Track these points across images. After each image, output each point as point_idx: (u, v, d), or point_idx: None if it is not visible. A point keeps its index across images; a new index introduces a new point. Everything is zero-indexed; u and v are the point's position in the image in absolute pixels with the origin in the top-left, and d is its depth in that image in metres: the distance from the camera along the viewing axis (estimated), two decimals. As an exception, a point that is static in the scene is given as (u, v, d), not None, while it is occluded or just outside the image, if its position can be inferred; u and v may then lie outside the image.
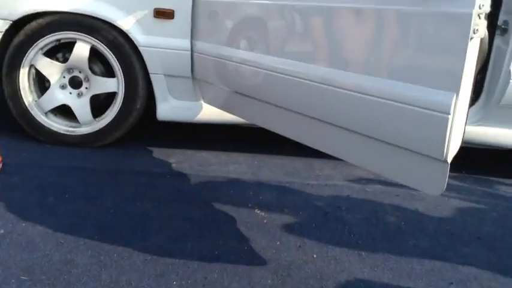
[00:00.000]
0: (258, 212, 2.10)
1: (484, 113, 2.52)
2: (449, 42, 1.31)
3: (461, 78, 1.28)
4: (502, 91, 2.39)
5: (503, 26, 2.39)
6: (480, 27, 1.30)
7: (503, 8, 2.37)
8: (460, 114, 1.35)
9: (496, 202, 2.41)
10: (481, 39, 1.36)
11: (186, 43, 2.43)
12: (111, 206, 2.04)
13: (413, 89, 1.38)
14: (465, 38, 1.27)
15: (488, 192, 2.54)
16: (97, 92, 2.60)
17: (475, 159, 2.92)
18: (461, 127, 1.41)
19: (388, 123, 1.49)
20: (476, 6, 1.26)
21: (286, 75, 1.83)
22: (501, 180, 2.72)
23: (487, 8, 1.32)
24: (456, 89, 1.29)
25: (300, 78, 1.78)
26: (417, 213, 2.22)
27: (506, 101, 2.40)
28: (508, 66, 2.35)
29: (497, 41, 2.42)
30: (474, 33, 1.29)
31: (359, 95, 1.55)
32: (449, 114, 1.32)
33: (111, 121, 2.61)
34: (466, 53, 1.26)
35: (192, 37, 2.42)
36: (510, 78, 2.35)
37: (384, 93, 1.46)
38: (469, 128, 2.47)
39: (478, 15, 1.29)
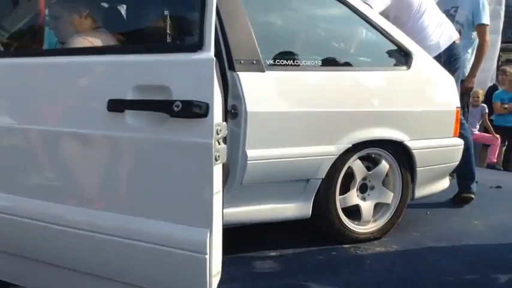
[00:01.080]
0: None
1: (230, 195, 2.54)
2: (193, 174, 1.19)
3: (212, 212, 1.16)
4: (242, 172, 2.44)
5: (233, 111, 2.46)
6: (221, 152, 1.22)
7: (230, 93, 2.45)
8: (217, 248, 1.23)
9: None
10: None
11: None
12: None
13: (161, 226, 1.20)
14: (209, 168, 1.16)
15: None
16: None
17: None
18: (219, 260, 1.29)
19: (134, 266, 1.27)
20: (215, 134, 1.17)
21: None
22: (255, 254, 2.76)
23: (225, 132, 1.25)
24: (209, 224, 1.17)
25: (19, 216, 1.41)
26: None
27: (247, 181, 2.46)
28: (244, 148, 2.41)
29: (230, 124, 2.49)
30: (216, 160, 1.19)
31: (97, 235, 1.28)
32: (206, 254, 1.18)
33: None
34: (212, 183, 1.15)
35: None
36: (247, 160, 2.41)
37: (126, 231, 1.24)
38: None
39: (218, 141, 1.20)
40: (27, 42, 2.04)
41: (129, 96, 1.21)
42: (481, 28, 3.48)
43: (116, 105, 1.21)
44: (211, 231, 1.18)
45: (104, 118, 1.24)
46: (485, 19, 3.49)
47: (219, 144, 1.21)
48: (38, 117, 1.37)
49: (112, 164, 1.28)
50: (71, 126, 1.31)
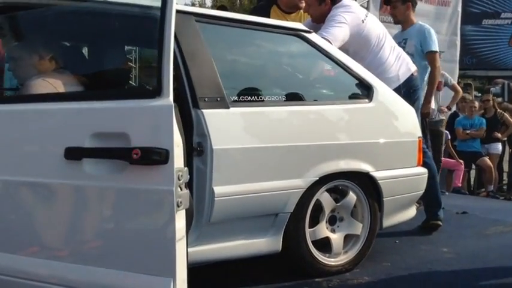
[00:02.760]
0: None
1: (198, 233, 2.50)
2: (154, 221, 1.16)
3: (175, 260, 1.13)
4: (210, 210, 2.41)
5: (198, 148, 2.44)
6: (183, 198, 1.20)
7: (195, 131, 2.44)
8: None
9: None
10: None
11: None
12: None
13: (124, 276, 1.17)
14: (171, 215, 1.14)
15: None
16: None
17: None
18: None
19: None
20: (176, 180, 1.15)
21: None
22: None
23: (186, 177, 1.24)
24: (172, 273, 1.14)
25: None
26: None
27: (215, 218, 2.43)
28: (211, 185, 2.39)
29: (196, 162, 2.46)
30: (178, 206, 1.18)
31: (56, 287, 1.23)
32: (170, 304, 1.15)
33: None
34: (174, 231, 1.13)
35: None
36: (215, 197, 2.39)
37: (87, 283, 1.19)
38: (189, 250, 2.41)
39: (180, 187, 1.19)
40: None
41: (87, 143, 1.19)
42: (430, 55, 3.61)
43: (74, 153, 1.19)
44: (174, 280, 1.15)
45: (62, 166, 1.21)
46: (434, 46, 3.59)
47: (181, 189, 1.19)
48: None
49: (71, 214, 1.24)
50: (27, 175, 1.27)
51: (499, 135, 6.54)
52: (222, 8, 6.80)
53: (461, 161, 6.10)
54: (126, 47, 2.40)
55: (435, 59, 3.61)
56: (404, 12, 3.63)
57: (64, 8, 2.18)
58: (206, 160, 2.40)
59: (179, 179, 1.17)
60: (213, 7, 13.51)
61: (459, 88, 5.51)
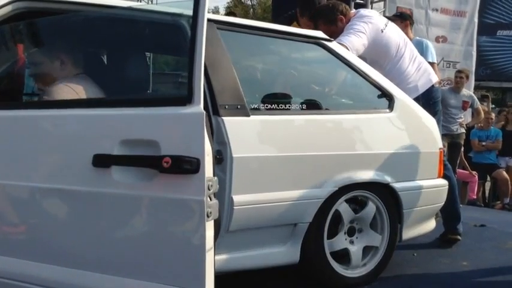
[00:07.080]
0: None
1: (217, 242, 2.47)
2: (184, 232, 1.14)
3: (205, 271, 1.11)
4: (229, 218, 2.39)
5: (218, 156, 2.42)
6: (213, 208, 1.17)
7: (215, 139, 2.42)
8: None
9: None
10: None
11: None
12: None
13: (150, 287, 1.14)
14: (201, 226, 1.11)
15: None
16: None
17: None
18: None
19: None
20: (206, 190, 1.13)
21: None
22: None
23: (216, 187, 1.21)
24: (202, 285, 1.11)
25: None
26: None
27: (234, 227, 2.40)
28: (230, 193, 2.36)
29: (216, 170, 2.43)
30: (208, 216, 1.15)
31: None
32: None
33: None
34: (204, 241, 1.11)
35: None
36: (233, 205, 2.36)
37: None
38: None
39: (209, 197, 1.16)
40: (6, 93, 1.99)
41: (116, 151, 1.17)
42: None
43: (102, 161, 1.17)
44: (203, 292, 1.13)
45: (90, 174, 1.19)
46: (430, 57, 3.75)
47: (210, 200, 1.17)
48: (19, 173, 1.31)
49: (98, 222, 1.22)
50: (54, 182, 1.26)
51: (520, 148, 6.43)
52: (230, 14, 6.78)
53: (474, 173, 6.02)
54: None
55: (434, 69, 3.68)
56: (403, 29, 3.73)
57: (85, 13, 2.18)
58: (225, 168, 2.37)
59: (209, 189, 1.15)
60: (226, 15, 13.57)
61: (482, 113, 5.74)
